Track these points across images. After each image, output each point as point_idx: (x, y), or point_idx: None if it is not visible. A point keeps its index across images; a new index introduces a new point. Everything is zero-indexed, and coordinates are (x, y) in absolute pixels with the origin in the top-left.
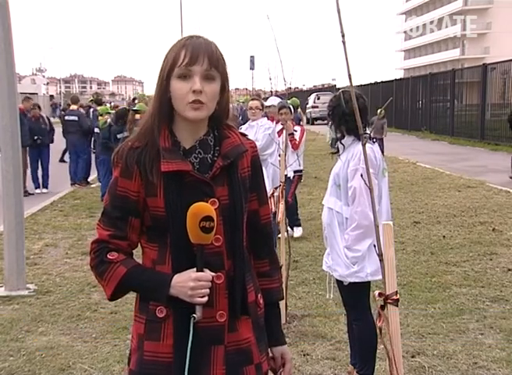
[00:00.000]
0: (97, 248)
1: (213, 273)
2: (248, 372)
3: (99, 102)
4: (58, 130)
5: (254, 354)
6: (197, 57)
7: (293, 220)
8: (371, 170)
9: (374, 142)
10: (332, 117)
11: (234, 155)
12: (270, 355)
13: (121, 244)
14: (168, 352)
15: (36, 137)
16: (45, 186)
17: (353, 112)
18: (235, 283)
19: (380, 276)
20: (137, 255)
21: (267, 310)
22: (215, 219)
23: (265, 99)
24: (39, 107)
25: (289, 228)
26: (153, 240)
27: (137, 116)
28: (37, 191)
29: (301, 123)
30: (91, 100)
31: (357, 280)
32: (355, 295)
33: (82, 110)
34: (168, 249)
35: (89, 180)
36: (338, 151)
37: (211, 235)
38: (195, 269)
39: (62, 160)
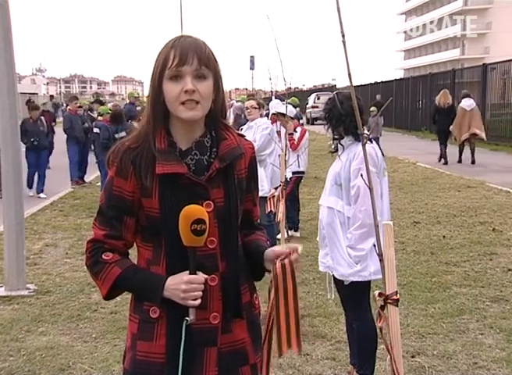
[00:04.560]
0: (92, 247)
1: (206, 276)
2: (244, 372)
3: (99, 102)
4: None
5: (249, 354)
6: (186, 57)
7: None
8: (373, 169)
9: (371, 142)
10: (330, 119)
11: (231, 157)
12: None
13: (116, 244)
14: (160, 353)
15: (32, 139)
16: (40, 191)
17: (348, 113)
18: (229, 285)
19: None
20: (133, 254)
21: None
22: (207, 221)
23: (266, 99)
24: (38, 108)
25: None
26: (148, 240)
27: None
28: (30, 193)
29: (300, 121)
30: (95, 101)
31: (359, 279)
32: (356, 295)
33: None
34: (163, 250)
35: (87, 180)
36: (337, 150)
37: (203, 238)
38: (188, 271)
39: None
